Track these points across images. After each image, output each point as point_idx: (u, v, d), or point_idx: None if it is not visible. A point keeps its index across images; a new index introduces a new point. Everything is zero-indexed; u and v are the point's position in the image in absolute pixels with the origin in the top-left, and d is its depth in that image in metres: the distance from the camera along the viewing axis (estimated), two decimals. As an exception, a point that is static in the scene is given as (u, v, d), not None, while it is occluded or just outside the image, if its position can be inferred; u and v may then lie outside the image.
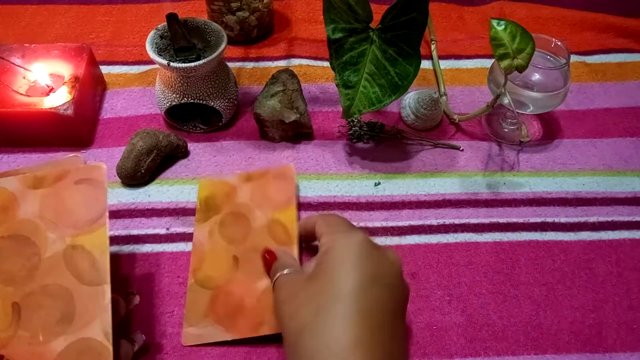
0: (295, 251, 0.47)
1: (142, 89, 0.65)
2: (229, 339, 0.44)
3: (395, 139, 0.61)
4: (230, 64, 0.67)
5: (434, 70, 0.69)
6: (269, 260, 0.44)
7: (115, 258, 0.50)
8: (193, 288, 0.47)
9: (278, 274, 0.41)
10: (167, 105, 0.57)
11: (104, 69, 0.66)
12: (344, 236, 0.38)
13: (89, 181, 0.40)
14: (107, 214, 0.39)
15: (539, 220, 0.55)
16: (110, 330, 0.36)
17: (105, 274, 0.37)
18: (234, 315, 0.45)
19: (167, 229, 0.52)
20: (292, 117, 0.57)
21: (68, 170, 0.40)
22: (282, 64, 0.69)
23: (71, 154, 0.56)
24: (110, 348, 0.36)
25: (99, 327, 0.36)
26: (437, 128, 0.63)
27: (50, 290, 0.36)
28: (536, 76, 0.56)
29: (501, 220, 0.54)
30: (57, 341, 0.35)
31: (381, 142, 0.61)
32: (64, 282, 0.36)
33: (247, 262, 0.48)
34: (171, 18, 0.54)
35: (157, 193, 0.55)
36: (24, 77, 0.57)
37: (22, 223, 0.38)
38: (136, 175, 0.54)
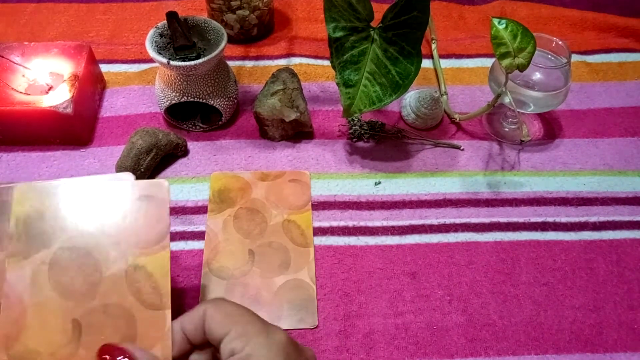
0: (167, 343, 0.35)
1: (141, 88, 0.65)
2: None
3: (396, 138, 0.61)
4: (230, 63, 0.67)
5: (435, 69, 0.69)
6: None
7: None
8: (207, 277, 0.49)
9: None
10: (167, 103, 0.57)
11: (104, 68, 0.66)
12: (265, 342, 0.30)
13: (152, 198, 0.37)
14: (169, 236, 0.36)
15: (539, 219, 0.54)
16: (170, 357, 0.33)
17: (167, 299, 0.35)
18: (251, 306, 0.46)
19: (167, 228, 0.52)
20: (292, 116, 0.57)
21: (134, 183, 0.38)
22: (282, 62, 0.69)
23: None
24: None
25: (159, 354, 0.33)
26: (437, 127, 0.63)
27: (111, 310, 0.34)
28: (537, 75, 0.56)
29: (502, 220, 0.54)
30: None
31: (381, 142, 0.61)
32: (125, 303, 0.34)
33: (263, 257, 0.50)
34: (171, 16, 0.54)
35: (157, 192, 0.55)
36: (23, 76, 0.57)
37: (84, 235, 0.35)
38: (136, 173, 0.54)
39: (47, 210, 0.35)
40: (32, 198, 0.35)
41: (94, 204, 0.36)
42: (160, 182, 0.37)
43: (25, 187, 0.36)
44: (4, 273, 0.34)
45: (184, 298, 0.48)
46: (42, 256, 0.34)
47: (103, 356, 0.31)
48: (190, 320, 0.32)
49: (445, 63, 0.70)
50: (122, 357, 0.31)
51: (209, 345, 0.32)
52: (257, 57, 0.70)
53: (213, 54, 0.53)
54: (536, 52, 0.49)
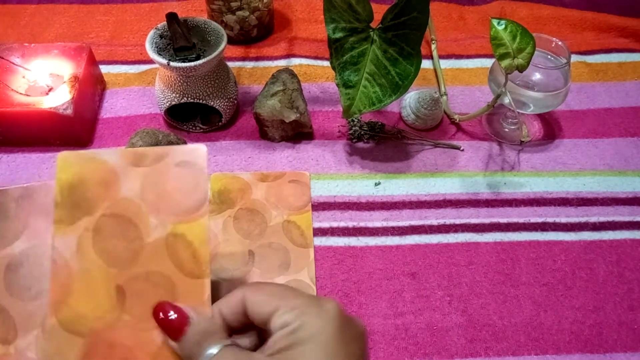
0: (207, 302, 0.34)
1: (141, 89, 0.65)
2: None
3: (396, 138, 0.61)
4: (230, 64, 0.67)
5: (435, 69, 0.69)
6: (175, 324, 0.31)
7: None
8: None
9: (205, 352, 0.29)
10: (167, 104, 0.57)
11: (104, 69, 0.66)
12: (318, 312, 0.29)
13: (190, 164, 0.37)
14: (207, 203, 0.36)
15: (539, 220, 0.54)
16: None
17: (206, 266, 0.35)
18: None
19: (167, 228, 0.52)
20: (292, 116, 0.57)
21: (169, 149, 0.38)
22: (282, 63, 0.69)
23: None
24: None
25: None
26: (437, 128, 0.63)
27: (153, 278, 0.34)
28: (537, 76, 0.56)
29: (502, 220, 0.54)
30: (159, 331, 0.33)
31: (381, 142, 0.61)
32: (166, 271, 0.34)
33: (263, 257, 0.50)
34: (171, 17, 0.54)
35: (157, 193, 0.55)
36: (23, 77, 0.57)
37: (125, 202, 0.35)
38: (136, 175, 0.54)
39: (90, 178, 0.35)
40: (75, 164, 0.35)
41: (134, 171, 0.36)
42: (198, 147, 0.37)
43: (67, 154, 0.36)
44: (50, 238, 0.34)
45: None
46: (86, 223, 0.34)
47: (158, 315, 0.31)
48: (227, 305, 0.32)
49: (445, 63, 0.70)
50: (172, 312, 0.31)
51: (251, 328, 0.32)
52: (257, 58, 0.70)
53: (213, 55, 0.53)
54: (536, 52, 0.49)
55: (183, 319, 0.30)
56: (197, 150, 0.38)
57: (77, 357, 0.31)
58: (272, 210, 0.53)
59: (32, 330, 0.35)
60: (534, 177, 0.58)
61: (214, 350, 0.29)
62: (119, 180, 0.36)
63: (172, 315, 0.31)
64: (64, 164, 0.35)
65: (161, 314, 0.31)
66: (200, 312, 0.31)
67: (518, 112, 0.55)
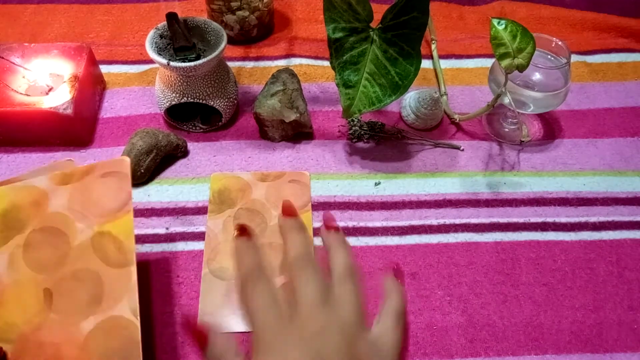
0: None
1: (141, 89, 0.65)
2: None
3: (396, 138, 0.61)
4: (230, 64, 0.67)
5: (435, 69, 0.69)
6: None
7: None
8: (207, 278, 0.49)
9: None
10: (167, 104, 0.57)
11: (104, 69, 0.66)
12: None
13: (114, 174, 0.42)
14: (131, 201, 0.41)
15: (539, 220, 0.54)
16: (137, 308, 0.38)
17: (131, 255, 0.39)
18: None
19: (167, 228, 0.52)
20: (292, 116, 0.57)
21: (95, 165, 0.43)
22: (282, 63, 0.69)
23: (65, 159, 0.55)
24: (138, 324, 0.38)
25: (126, 306, 0.38)
26: (437, 128, 0.63)
27: (79, 275, 0.38)
28: (537, 76, 0.56)
29: (502, 220, 0.54)
30: (87, 321, 0.37)
31: (381, 142, 0.61)
32: (92, 267, 0.39)
33: (263, 257, 0.50)
34: (171, 17, 0.54)
35: (157, 193, 0.55)
36: (23, 77, 0.57)
37: (53, 216, 0.40)
38: (136, 174, 0.54)
39: (22, 202, 0.41)
40: (9, 194, 0.41)
41: (62, 189, 0.42)
42: (123, 159, 0.43)
43: (2, 188, 0.41)
44: None
45: (183, 298, 0.48)
46: (17, 240, 0.39)
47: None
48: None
49: (444, 63, 0.70)
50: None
51: None
52: (257, 58, 0.70)
53: (213, 55, 0.53)
54: (536, 52, 0.49)
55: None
56: (121, 161, 0.43)
57: None
58: (272, 210, 0.53)
59: None
60: (534, 177, 0.58)
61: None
62: (48, 199, 0.41)
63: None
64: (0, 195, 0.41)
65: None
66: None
67: (518, 112, 0.55)
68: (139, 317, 0.38)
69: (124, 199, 0.41)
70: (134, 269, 0.39)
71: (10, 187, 0.41)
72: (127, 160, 0.43)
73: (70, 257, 0.39)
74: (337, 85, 0.53)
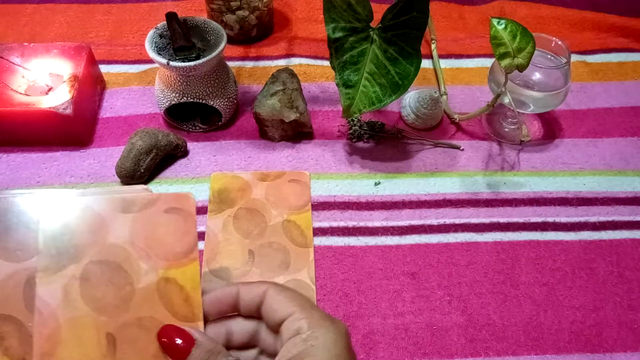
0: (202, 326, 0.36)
1: (141, 88, 0.65)
2: None
3: (396, 138, 0.61)
4: (230, 63, 0.67)
5: (435, 69, 0.69)
6: (180, 347, 0.31)
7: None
8: (207, 277, 0.49)
9: None
10: (167, 104, 0.57)
11: (104, 68, 0.66)
12: (331, 327, 0.31)
13: (179, 211, 0.37)
14: (197, 248, 0.37)
15: (539, 220, 0.54)
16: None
17: (199, 310, 0.35)
18: None
19: (167, 228, 0.52)
20: (292, 116, 0.57)
21: (158, 195, 0.37)
22: (282, 63, 0.69)
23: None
24: None
25: None
26: (437, 127, 0.63)
27: (145, 323, 0.34)
28: (537, 75, 0.56)
29: (502, 220, 0.54)
30: None
31: (381, 142, 0.61)
32: (158, 316, 0.34)
33: (262, 257, 0.50)
34: (171, 17, 0.54)
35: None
36: (23, 76, 0.57)
37: (113, 248, 0.35)
38: (135, 174, 0.54)
39: (75, 224, 0.35)
40: (58, 211, 0.35)
41: (121, 217, 0.36)
42: (187, 195, 0.38)
43: (51, 203, 0.35)
44: (34, 287, 0.33)
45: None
46: (73, 270, 0.34)
47: (162, 339, 0.32)
48: (249, 291, 0.33)
49: (444, 63, 0.70)
50: (177, 336, 0.32)
51: (253, 318, 0.34)
52: (257, 58, 0.70)
53: (213, 55, 0.53)
54: (536, 52, 0.49)
55: (189, 341, 0.31)
56: (186, 198, 0.38)
57: None
58: (272, 210, 0.53)
59: None
60: (534, 177, 0.58)
61: None
62: (107, 227, 0.35)
63: (178, 340, 0.31)
64: (46, 210, 0.35)
65: (165, 339, 0.32)
66: (203, 334, 0.32)
67: (518, 112, 0.55)
68: None
69: (191, 244, 0.36)
70: (201, 325, 0.34)
71: (60, 202, 0.35)
72: (192, 197, 0.38)
73: (134, 300, 0.34)
74: (337, 85, 0.53)
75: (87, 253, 0.34)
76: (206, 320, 0.34)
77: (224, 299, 0.34)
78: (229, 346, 0.33)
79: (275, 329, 0.32)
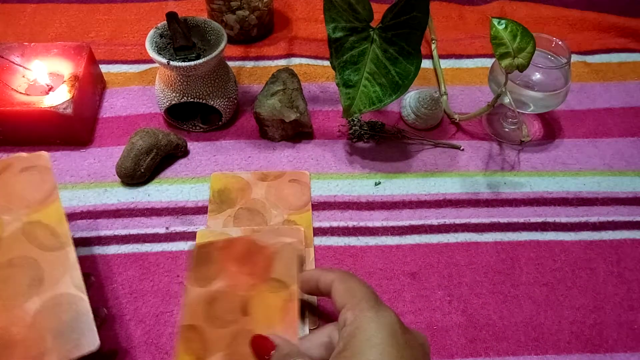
0: (295, 325, 0.39)
1: (141, 88, 0.65)
2: None
3: (396, 138, 0.61)
4: (230, 63, 0.67)
5: (435, 69, 0.69)
6: (264, 349, 0.36)
7: (114, 257, 0.50)
8: None
9: None
10: (167, 104, 0.57)
11: (104, 68, 0.66)
12: (374, 316, 0.33)
13: (34, 167, 0.44)
14: (57, 191, 0.43)
15: (539, 220, 0.54)
16: (82, 284, 0.39)
17: (66, 238, 0.41)
18: None
19: (167, 228, 0.52)
20: (292, 116, 0.57)
21: (12, 158, 0.44)
22: (282, 63, 0.69)
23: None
24: (86, 297, 0.38)
25: (70, 282, 0.39)
26: (437, 127, 0.63)
27: (15, 262, 0.40)
28: (537, 75, 0.56)
29: (502, 220, 0.54)
30: (32, 301, 0.38)
31: (381, 142, 0.61)
32: (27, 253, 0.40)
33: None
34: (171, 17, 0.54)
35: (157, 192, 0.55)
36: (23, 76, 0.57)
37: None
38: (136, 174, 0.54)
39: None
40: None
41: None
42: (40, 154, 0.45)
43: None
44: None
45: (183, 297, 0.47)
46: None
47: (252, 345, 0.36)
48: (324, 279, 0.37)
49: (445, 63, 0.70)
50: (262, 341, 0.36)
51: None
52: (257, 58, 0.70)
53: (213, 55, 0.53)
54: (536, 52, 0.49)
55: (270, 345, 0.36)
56: (39, 156, 0.45)
57: None
58: (272, 210, 0.53)
59: (218, 352, 0.39)
60: (534, 177, 0.58)
61: None
62: None
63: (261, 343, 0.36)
64: None
65: (254, 347, 0.36)
66: (283, 338, 0.36)
67: (518, 112, 0.55)
68: (85, 292, 0.39)
69: (49, 189, 0.43)
70: (71, 249, 0.40)
71: None
72: (46, 154, 0.45)
73: (2, 247, 0.40)
74: (337, 85, 0.53)
75: None
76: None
77: (306, 282, 0.39)
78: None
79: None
